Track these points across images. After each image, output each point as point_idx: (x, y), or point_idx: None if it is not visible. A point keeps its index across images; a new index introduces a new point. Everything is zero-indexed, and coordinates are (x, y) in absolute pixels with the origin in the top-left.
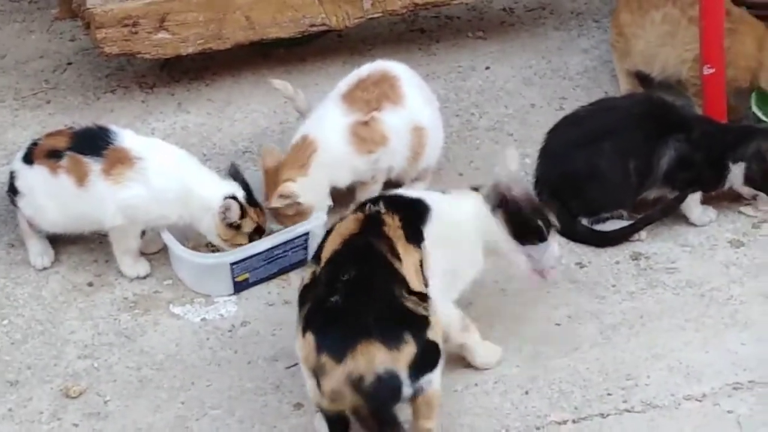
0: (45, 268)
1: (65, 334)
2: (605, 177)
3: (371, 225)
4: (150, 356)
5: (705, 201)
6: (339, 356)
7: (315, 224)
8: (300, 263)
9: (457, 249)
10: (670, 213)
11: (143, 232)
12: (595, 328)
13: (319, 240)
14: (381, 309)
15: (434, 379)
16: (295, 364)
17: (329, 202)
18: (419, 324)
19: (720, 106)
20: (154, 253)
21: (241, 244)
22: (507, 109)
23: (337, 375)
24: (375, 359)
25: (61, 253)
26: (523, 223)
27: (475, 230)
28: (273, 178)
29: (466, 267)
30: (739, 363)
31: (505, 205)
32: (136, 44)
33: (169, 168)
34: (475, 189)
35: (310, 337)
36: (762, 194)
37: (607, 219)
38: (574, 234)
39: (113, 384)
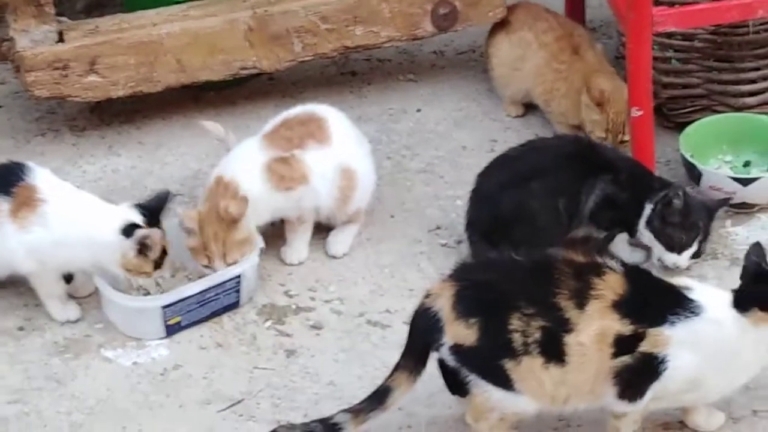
0: None
1: None
2: (534, 217)
3: None
4: (81, 401)
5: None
6: None
7: (247, 266)
8: (232, 306)
9: None
10: (600, 252)
11: (71, 276)
12: None
13: (250, 282)
14: None
15: None
16: (227, 407)
17: (261, 243)
18: None
19: (648, 148)
20: (86, 296)
21: (146, 273)
22: (438, 151)
23: None
24: None
25: None
26: None
27: None
28: (210, 220)
29: None
30: None
31: None
32: (67, 87)
33: (71, 213)
34: None
35: None
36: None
37: None
38: None
39: (43, 429)
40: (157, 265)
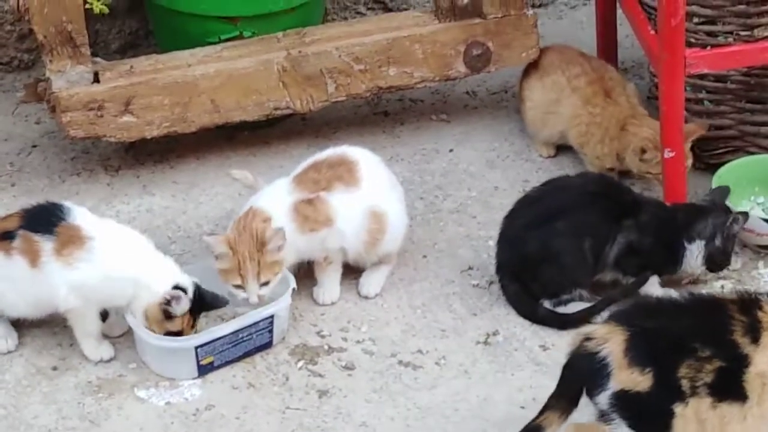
0: (9, 352)
1: (28, 418)
2: (559, 257)
3: None
4: None
5: (666, 284)
6: None
7: (280, 306)
8: (265, 346)
9: None
10: (630, 295)
11: (106, 315)
12: None
13: (283, 322)
14: None
15: None
16: None
17: (293, 284)
18: None
19: (681, 189)
20: (119, 336)
21: (153, 331)
22: (470, 192)
23: None
24: None
25: (25, 336)
26: None
27: None
28: (243, 240)
29: None
30: None
31: None
32: (102, 127)
33: (119, 249)
34: None
35: None
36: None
37: (569, 301)
38: (536, 317)
39: None
40: (167, 333)
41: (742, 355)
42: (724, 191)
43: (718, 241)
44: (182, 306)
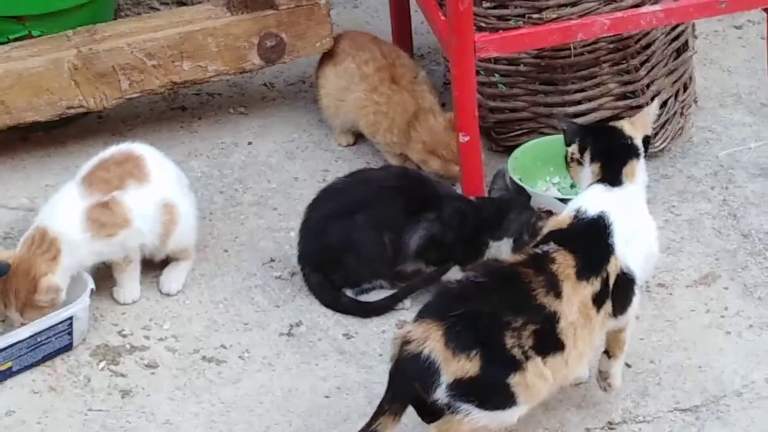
0: None
1: None
2: (360, 248)
3: None
4: None
5: None
6: None
7: (78, 308)
8: (65, 348)
9: None
10: (432, 283)
11: None
12: (363, 399)
13: (83, 324)
14: None
15: None
16: None
17: (91, 284)
18: None
19: (477, 173)
20: None
21: None
22: (270, 184)
23: None
24: None
25: None
26: None
27: None
28: (19, 273)
29: None
30: None
31: None
32: None
33: None
34: None
35: None
36: None
37: (371, 290)
38: (339, 305)
39: None
40: None
41: (551, 314)
42: (504, 173)
43: (525, 237)
44: None
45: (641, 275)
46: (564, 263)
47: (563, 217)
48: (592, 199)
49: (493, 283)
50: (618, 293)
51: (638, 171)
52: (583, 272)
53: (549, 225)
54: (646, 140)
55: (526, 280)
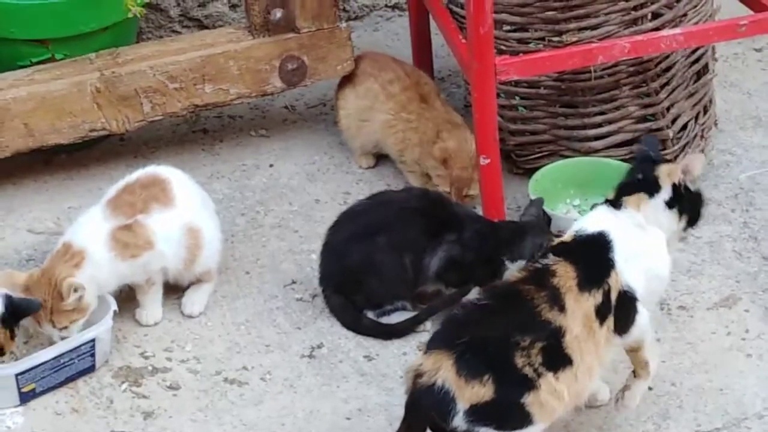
0: None
1: None
2: (381, 270)
3: None
4: None
5: None
6: None
7: (101, 330)
8: (88, 370)
9: None
10: (452, 305)
11: None
12: (384, 420)
13: (105, 345)
14: None
15: None
16: None
17: (114, 306)
18: None
19: (497, 195)
20: None
21: None
22: (292, 206)
23: None
24: None
25: None
26: None
27: None
28: (41, 284)
29: None
30: None
31: None
32: None
33: None
34: None
35: None
36: None
37: (392, 311)
38: (360, 327)
39: None
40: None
41: (557, 329)
42: (540, 202)
43: (537, 259)
44: None
45: (645, 296)
46: (565, 275)
47: (566, 235)
48: (594, 218)
49: (496, 304)
50: (620, 311)
51: (647, 206)
52: (585, 284)
53: (554, 244)
54: (676, 189)
55: (528, 297)
